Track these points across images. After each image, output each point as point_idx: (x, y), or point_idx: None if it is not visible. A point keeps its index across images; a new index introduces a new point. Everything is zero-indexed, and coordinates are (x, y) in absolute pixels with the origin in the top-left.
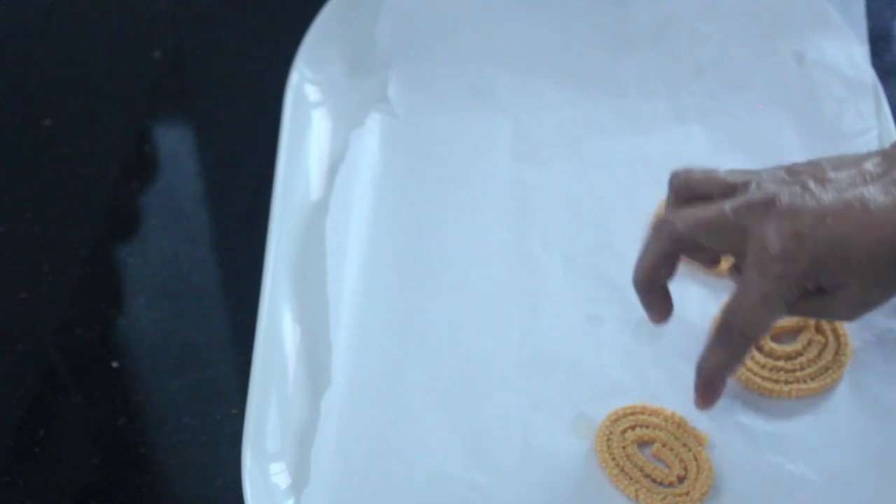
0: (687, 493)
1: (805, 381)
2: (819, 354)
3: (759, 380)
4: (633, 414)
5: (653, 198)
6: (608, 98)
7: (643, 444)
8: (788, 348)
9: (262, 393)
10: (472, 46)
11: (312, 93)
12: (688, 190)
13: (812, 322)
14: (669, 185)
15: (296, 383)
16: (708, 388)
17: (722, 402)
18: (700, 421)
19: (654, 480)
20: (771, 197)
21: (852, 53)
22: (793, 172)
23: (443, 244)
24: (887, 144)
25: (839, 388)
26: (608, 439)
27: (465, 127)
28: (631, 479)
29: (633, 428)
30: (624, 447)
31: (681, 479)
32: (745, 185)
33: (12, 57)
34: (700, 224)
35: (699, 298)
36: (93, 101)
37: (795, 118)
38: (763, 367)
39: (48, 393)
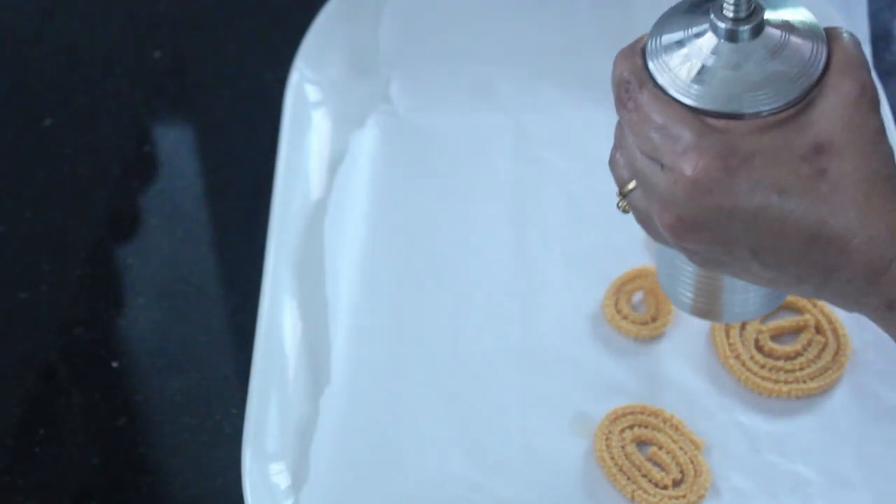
0: (683, 496)
1: (805, 381)
2: (819, 354)
3: (758, 380)
4: (632, 413)
5: None
6: (609, 98)
7: (641, 443)
8: (788, 348)
9: (262, 393)
10: (473, 46)
11: (312, 93)
12: None
13: (812, 322)
14: None
15: (296, 383)
16: None
17: (721, 402)
18: (699, 422)
19: (651, 482)
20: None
21: None
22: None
23: (443, 244)
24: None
25: (839, 388)
26: (607, 438)
27: (465, 127)
28: (629, 478)
29: (631, 427)
30: (623, 446)
31: (677, 483)
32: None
33: (12, 57)
34: None
35: None
36: (93, 101)
37: None
38: (763, 367)
39: (48, 393)
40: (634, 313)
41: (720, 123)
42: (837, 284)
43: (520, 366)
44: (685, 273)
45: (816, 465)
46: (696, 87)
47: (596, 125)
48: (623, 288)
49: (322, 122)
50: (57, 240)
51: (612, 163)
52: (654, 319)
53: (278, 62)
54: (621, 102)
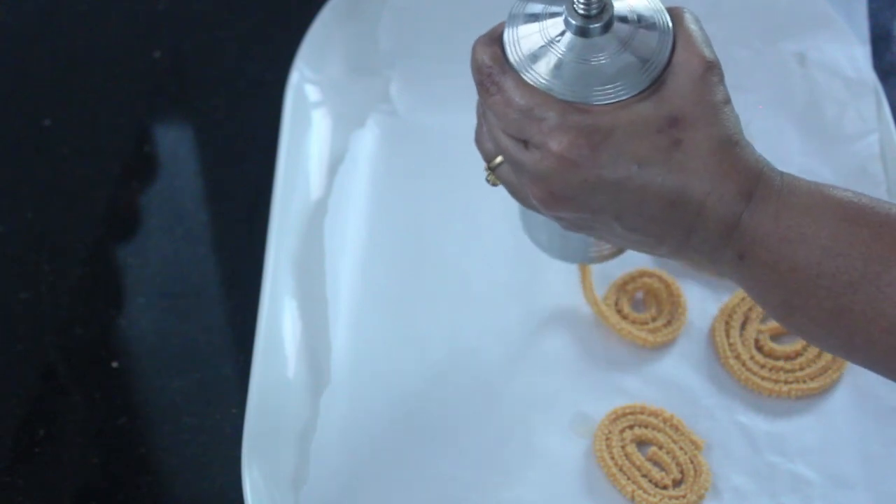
0: (683, 496)
1: (805, 381)
2: (819, 354)
3: (758, 380)
4: (632, 413)
5: None
6: None
7: (641, 443)
8: (788, 348)
9: (262, 393)
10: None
11: (312, 93)
12: None
13: None
14: None
15: (296, 383)
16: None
17: (721, 402)
18: (699, 422)
19: (651, 482)
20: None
21: (853, 55)
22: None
23: (442, 243)
24: (887, 145)
25: (839, 388)
26: (607, 438)
27: (465, 126)
28: (629, 478)
29: (631, 427)
30: (623, 446)
31: (677, 483)
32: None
33: (12, 57)
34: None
35: (699, 299)
36: (93, 101)
37: (796, 119)
38: (763, 367)
39: (48, 393)
40: (635, 313)
41: (581, 105)
42: (695, 242)
43: (520, 366)
44: (544, 223)
45: (816, 465)
46: (553, 80)
47: None
48: (624, 288)
49: (322, 122)
50: (57, 240)
51: (478, 140)
52: (654, 319)
53: (278, 62)
54: (484, 87)
